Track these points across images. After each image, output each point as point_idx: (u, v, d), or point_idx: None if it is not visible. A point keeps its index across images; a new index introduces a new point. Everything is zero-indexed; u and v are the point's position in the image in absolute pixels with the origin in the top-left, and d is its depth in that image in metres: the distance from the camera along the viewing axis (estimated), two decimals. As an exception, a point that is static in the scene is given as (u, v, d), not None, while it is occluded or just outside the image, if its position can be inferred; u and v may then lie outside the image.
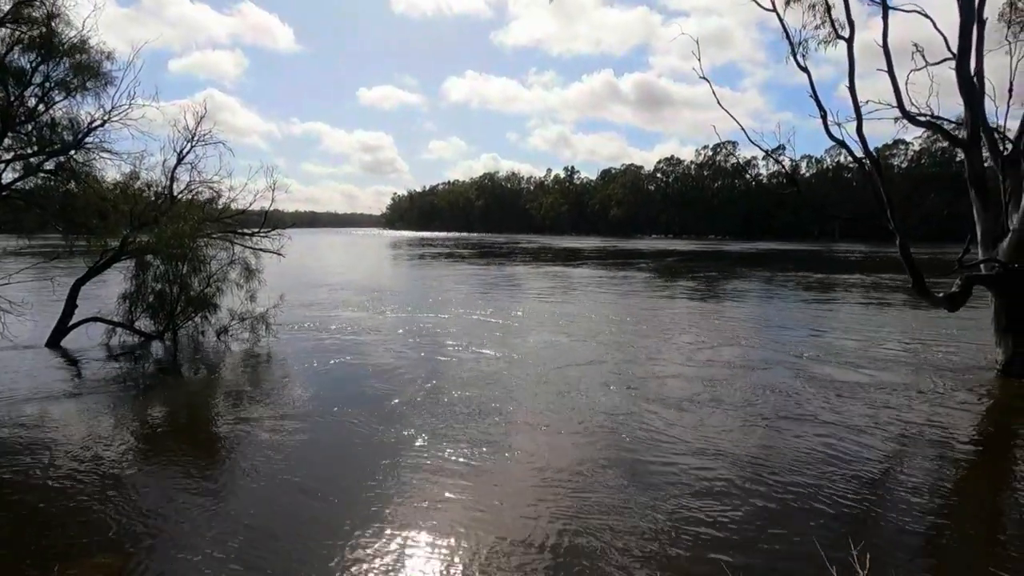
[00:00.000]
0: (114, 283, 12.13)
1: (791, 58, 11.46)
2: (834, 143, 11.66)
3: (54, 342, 11.66)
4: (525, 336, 13.45)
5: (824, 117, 11.24)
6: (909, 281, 10.68)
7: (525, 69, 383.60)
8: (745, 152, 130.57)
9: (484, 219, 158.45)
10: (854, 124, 10.94)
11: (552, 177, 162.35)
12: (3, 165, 11.67)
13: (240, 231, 13.49)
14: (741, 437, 7.00)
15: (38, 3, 10.29)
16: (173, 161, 13.06)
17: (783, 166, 10.55)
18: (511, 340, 12.90)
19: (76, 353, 11.18)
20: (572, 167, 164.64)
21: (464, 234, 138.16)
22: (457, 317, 16.10)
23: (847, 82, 10.85)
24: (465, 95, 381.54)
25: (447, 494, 5.42)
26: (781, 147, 12.14)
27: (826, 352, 11.81)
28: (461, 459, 6.22)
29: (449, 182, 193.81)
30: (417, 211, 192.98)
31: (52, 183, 12.38)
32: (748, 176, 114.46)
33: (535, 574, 4.19)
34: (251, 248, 13.22)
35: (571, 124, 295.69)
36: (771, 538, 4.70)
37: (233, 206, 13.77)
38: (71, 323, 11.88)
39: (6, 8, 9.98)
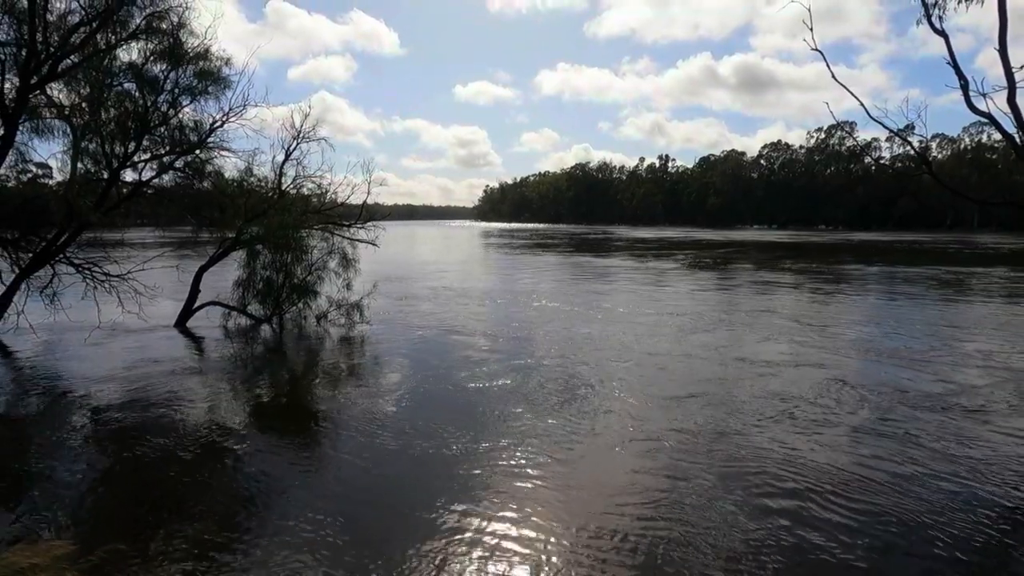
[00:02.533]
0: (231, 270, 13.25)
1: (923, 22, 10.00)
2: (978, 117, 10.08)
3: (181, 323, 13.00)
4: (626, 334, 13.05)
5: (965, 87, 9.67)
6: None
7: (618, 58, 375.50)
8: (864, 133, 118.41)
9: (574, 210, 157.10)
10: (1003, 95, 9.39)
11: (646, 166, 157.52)
12: (142, 164, 13.16)
13: (339, 222, 14.25)
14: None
15: (166, 15, 11.35)
16: (281, 157, 14.04)
17: (912, 147, 9.27)
18: (609, 338, 12.56)
19: (199, 333, 12.38)
20: (667, 155, 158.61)
21: (554, 225, 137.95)
22: (548, 308, 15.98)
23: (996, 45, 9.31)
24: (557, 87, 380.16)
25: (536, 482, 5.31)
26: (910, 126, 10.70)
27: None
28: (552, 450, 6.09)
29: (540, 173, 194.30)
30: (508, 203, 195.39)
31: (181, 180, 13.77)
32: (869, 159, 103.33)
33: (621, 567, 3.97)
34: (348, 239, 13.94)
35: (666, 112, 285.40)
36: None
37: (334, 199, 14.59)
38: (195, 306, 13.18)
39: (139, 21, 11.08)
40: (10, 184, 12.08)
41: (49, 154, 14.66)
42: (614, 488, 5.33)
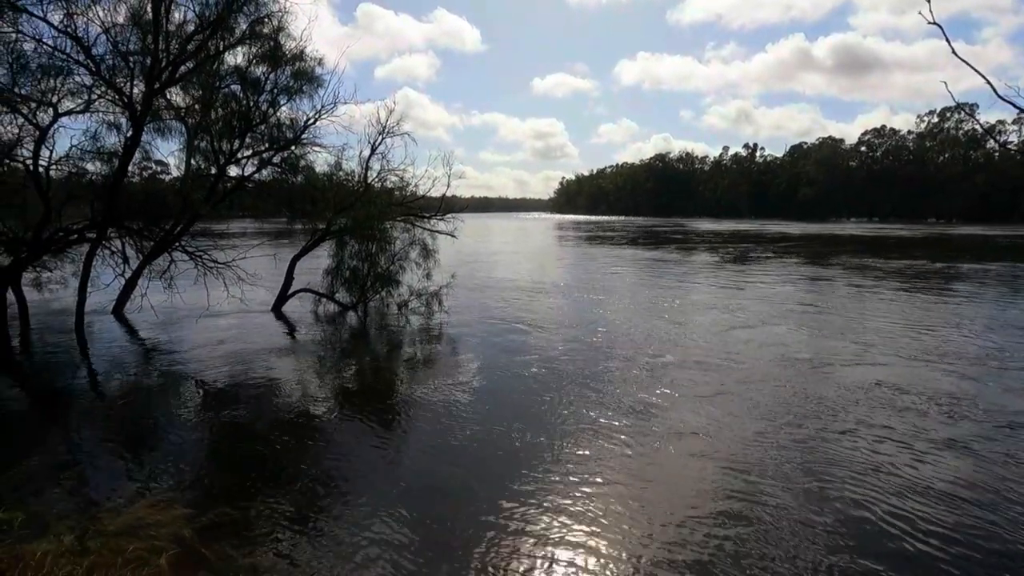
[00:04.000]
0: (322, 259, 14.08)
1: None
2: None
3: (277, 307, 14.00)
4: (711, 337, 12.61)
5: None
6: None
7: (702, 45, 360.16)
8: (986, 117, 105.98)
9: (653, 202, 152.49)
10: None
11: (731, 155, 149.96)
12: (244, 160, 14.24)
13: (420, 214, 14.72)
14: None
15: (267, 20, 12.15)
16: (367, 152, 14.69)
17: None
18: (688, 338, 12.19)
19: (292, 318, 13.27)
20: (754, 144, 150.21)
21: (631, 218, 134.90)
22: (624, 307, 15.71)
23: None
24: (637, 77, 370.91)
25: (601, 477, 5.28)
26: (1045, 104, 9.47)
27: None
28: (619, 447, 6.02)
29: (617, 165, 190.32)
30: (584, 195, 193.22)
31: (278, 174, 14.76)
32: (996, 143, 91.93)
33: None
34: (428, 230, 14.37)
35: (753, 98, 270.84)
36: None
37: (415, 191, 15.09)
38: (289, 292, 14.14)
39: (244, 27, 11.94)
40: (136, 180, 13.49)
41: (168, 152, 16.25)
42: (687, 492, 5.17)
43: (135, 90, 11.12)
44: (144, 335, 11.48)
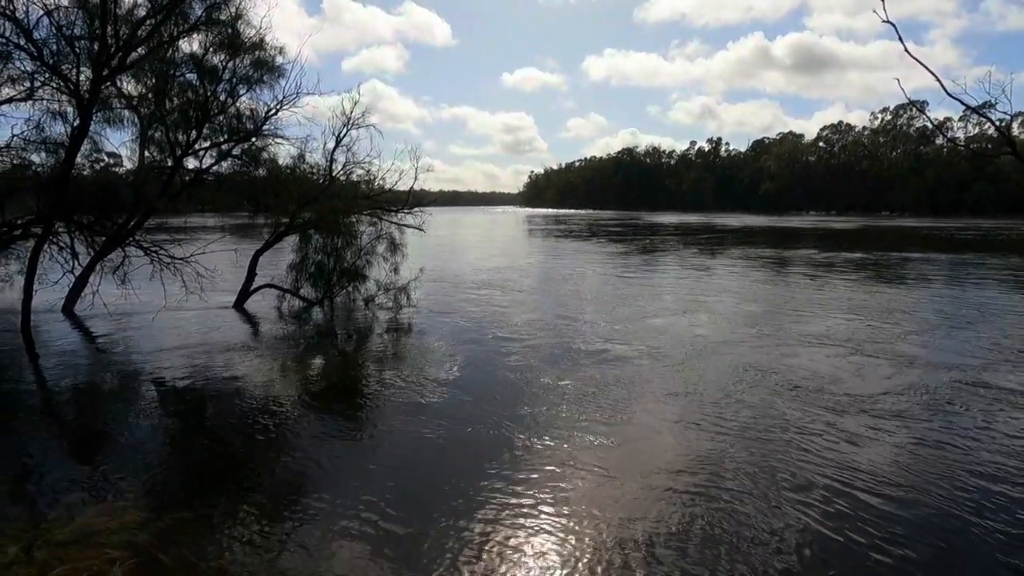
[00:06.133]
0: (285, 254, 13.72)
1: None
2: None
3: (239, 304, 13.59)
4: (671, 329, 12.80)
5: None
6: None
7: (667, 42, 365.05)
8: (935, 113, 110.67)
9: (622, 196, 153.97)
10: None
11: (696, 150, 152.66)
12: (202, 152, 13.74)
13: (387, 208, 14.49)
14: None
15: (224, 6, 11.72)
16: (332, 144, 14.35)
17: (995, 124, 8.56)
18: (650, 326, 12.35)
19: (255, 315, 12.90)
20: (718, 138, 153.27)
21: (599, 212, 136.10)
22: (586, 294, 15.84)
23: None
24: (605, 72, 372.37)
25: (574, 469, 5.29)
26: (988, 103, 9.89)
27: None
28: (592, 441, 6.05)
29: (586, 158, 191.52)
30: (553, 189, 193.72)
31: (238, 167, 14.31)
32: (943, 140, 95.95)
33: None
34: (396, 224, 14.17)
35: (717, 95, 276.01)
36: None
37: (382, 185, 14.83)
38: (251, 288, 13.75)
39: (199, 12, 11.49)
40: (85, 172, 12.86)
41: (119, 143, 15.54)
42: (657, 475, 5.24)
43: (82, 77, 10.58)
44: (96, 334, 10.98)
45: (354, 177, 14.75)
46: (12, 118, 10.86)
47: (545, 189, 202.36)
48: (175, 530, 4.27)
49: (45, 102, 10.86)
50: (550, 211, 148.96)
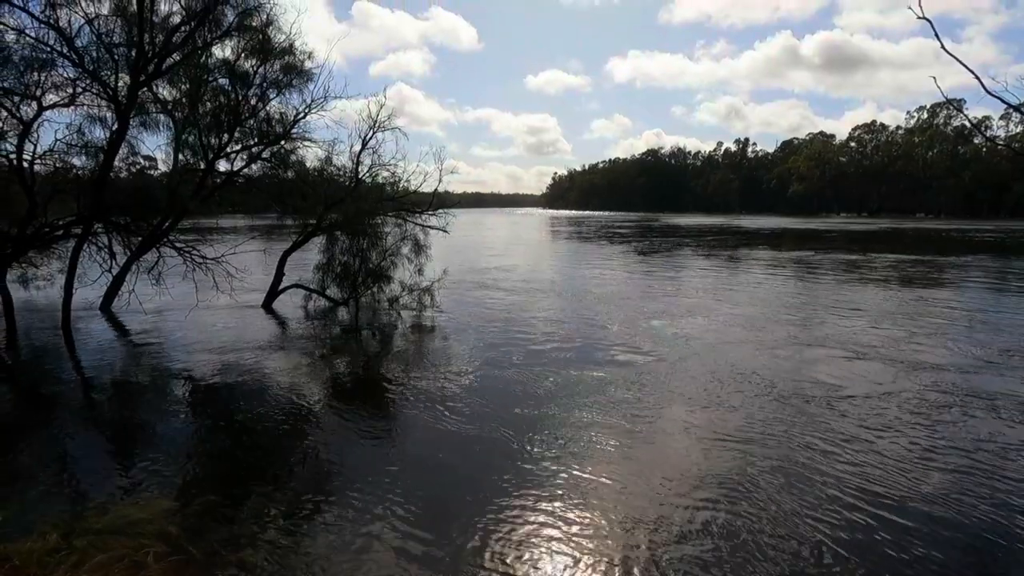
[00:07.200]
0: (312, 255, 13.96)
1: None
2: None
3: (267, 303, 13.88)
4: (702, 338, 12.64)
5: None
6: None
7: (692, 43, 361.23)
8: (973, 112, 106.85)
9: (646, 197, 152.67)
10: None
11: (723, 151, 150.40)
12: (233, 155, 14.09)
13: (412, 209, 14.62)
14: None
15: (255, 12, 12.00)
16: (359, 147, 14.54)
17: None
18: (673, 332, 12.22)
19: (283, 314, 13.16)
20: (745, 139, 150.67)
21: (623, 213, 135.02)
22: (609, 298, 15.73)
23: None
24: (629, 74, 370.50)
25: (591, 475, 5.27)
26: (1032, 100, 9.53)
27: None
28: (607, 446, 6.02)
29: (609, 160, 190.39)
30: (577, 190, 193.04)
31: (268, 169, 14.62)
32: (984, 139, 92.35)
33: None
34: (420, 225, 14.28)
35: (744, 95, 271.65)
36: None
37: (407, 187, 14.98)
38: (279, 288, 14.02)
39: (232, 19, 11.78)
40: (123, 174, 13.30)
41: (155, 146, 16.04)
42: (682, 480, 5.18)
43: (120, 83, 10.96)
44: (132, 331, 11.34)
45: (380, 179, 14.92)
46: (55, 123, 11.33)
47: (568, 191, 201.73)
48: (205, 523, 4.39)
49: (86, 107, 11.30)
50: (573, 213, 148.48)
